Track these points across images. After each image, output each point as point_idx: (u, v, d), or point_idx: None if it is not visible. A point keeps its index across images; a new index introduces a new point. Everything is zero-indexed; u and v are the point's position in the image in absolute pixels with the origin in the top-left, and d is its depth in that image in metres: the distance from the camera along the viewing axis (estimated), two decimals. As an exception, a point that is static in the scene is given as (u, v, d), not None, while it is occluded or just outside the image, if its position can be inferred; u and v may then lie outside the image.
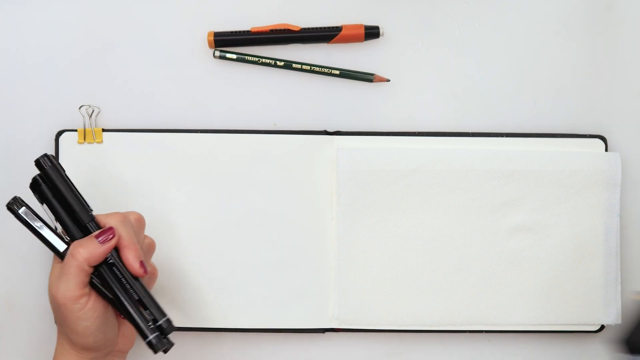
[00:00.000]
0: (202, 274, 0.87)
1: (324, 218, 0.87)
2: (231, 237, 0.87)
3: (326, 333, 0.88)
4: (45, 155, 0.76)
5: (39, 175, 0.76)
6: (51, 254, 0.87)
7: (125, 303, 0.76)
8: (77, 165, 0.86)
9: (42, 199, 0.77)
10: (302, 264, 0.87)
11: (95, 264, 0.75)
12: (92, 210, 0.77)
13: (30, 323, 0.87)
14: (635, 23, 0.89)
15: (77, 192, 0.77)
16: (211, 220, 0.86)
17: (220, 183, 0.86)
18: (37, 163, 0.76)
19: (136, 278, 0.76)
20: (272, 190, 0.87)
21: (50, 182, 0.76)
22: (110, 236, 0.75)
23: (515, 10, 0.88)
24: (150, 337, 0.76)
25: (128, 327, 0.79)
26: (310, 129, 0.88)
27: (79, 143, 0.86)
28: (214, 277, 0.87)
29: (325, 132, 0.87)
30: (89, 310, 0.75)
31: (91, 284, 0.76)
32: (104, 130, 0.86)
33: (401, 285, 0.87)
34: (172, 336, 0.77)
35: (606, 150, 0.88)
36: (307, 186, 0.87)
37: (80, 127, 0.87)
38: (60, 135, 0.86)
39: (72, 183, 0.77)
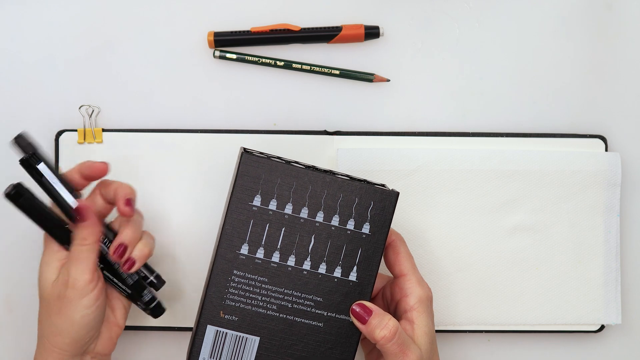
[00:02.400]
0: (201, 273, 0.86)
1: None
2: (231, 237, 0.87)
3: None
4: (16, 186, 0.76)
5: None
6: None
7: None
8: (77, 165, 0.86)
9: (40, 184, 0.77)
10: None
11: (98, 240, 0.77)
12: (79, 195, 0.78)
13: (30, 323, 0.87)
14: (635, 23, 0.89)
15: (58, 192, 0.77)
16: (211, 219, 0.86)
17: (220, 183, 0.86)
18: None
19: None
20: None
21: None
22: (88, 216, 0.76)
23: (515, 10, 0.88)
24: (151, 277, 0.81)
25: (111, 329, 0.80)
26: (310, 129, 0.88)
27: (79, 143, 0.86)
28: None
29: (325, 132, 0.87)
30: (96, 294, 0.76)
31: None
32: (104, 130, 0.86)
33: (401, 285, 0.87)
34: (173, 335, 0.77)
35: (606, 150, 0.88)
36: (307, 186, 0.87)
37: (80, 127, 0.86)
38: (60, 135, 0.86)
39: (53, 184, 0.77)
